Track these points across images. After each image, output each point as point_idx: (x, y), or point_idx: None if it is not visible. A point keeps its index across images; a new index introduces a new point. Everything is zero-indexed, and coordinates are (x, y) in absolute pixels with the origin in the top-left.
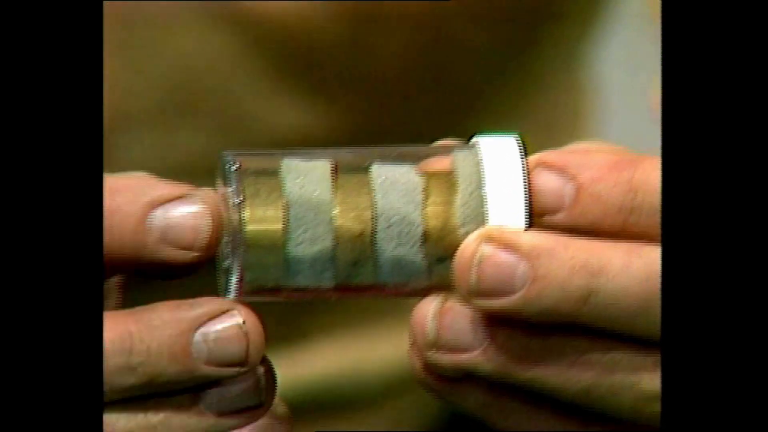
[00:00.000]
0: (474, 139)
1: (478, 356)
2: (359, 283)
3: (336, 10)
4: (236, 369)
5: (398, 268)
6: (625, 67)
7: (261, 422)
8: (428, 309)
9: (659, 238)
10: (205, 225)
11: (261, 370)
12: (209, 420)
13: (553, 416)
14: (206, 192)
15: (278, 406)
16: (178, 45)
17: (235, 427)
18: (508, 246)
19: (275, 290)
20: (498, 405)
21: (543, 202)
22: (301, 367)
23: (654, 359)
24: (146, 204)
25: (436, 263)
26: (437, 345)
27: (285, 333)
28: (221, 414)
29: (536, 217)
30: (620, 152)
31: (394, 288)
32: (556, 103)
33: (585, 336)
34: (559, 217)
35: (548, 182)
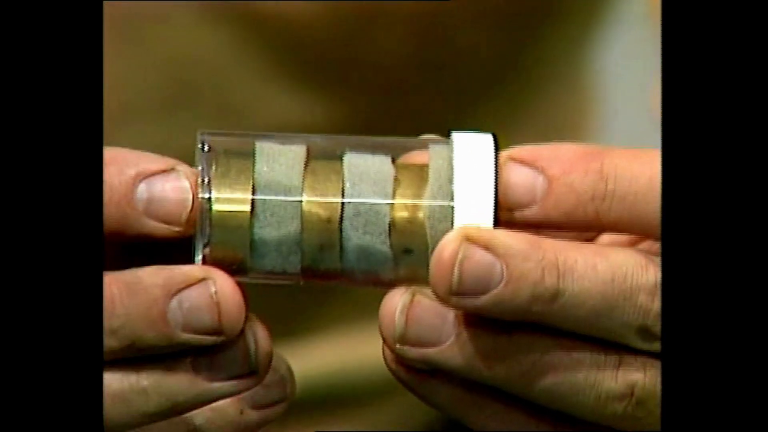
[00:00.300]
0: (451, 135)
1: (444, 351)
2: (326, 269)
3: (336, 5)
4: (213, 337)
5: (364, 257)
6: (627, 67)
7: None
8: (396, 302)
9: (631, 226)
10: (187, 200)
11: (251, 338)
12: (201, 385)
13: (525, 415)
14: (190, 168)
15: (280, 365)
16: (177, 38)
17: (228, 394)
18: (486, 246)
19: (241, 270)
20: (469, 401)
21: (515, 196)
22: (306, 362)
23: (615, 360)
24: (131, 177)
25: (402, 254)
26: (404, 339)
27: (290, 328)
28: (212, 380)
29: (509, 211)
30: (586, 145)
31: (362, 276)
32: (557, 103)
33: (549, 335)
34: (532, 211)
35: (520, 176)
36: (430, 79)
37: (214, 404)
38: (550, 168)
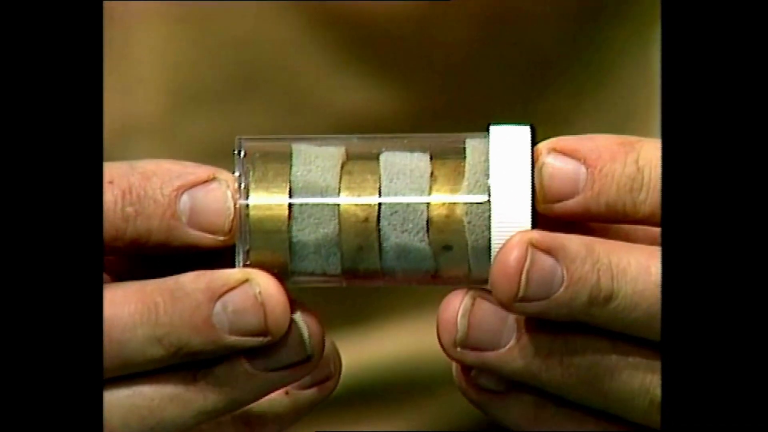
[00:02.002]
0: (489, 129)
1: (503, 355)
2: (365, 269)
3: None
4: (259, 339)
5: (403, 255)
6: None
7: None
8: (456, 306)
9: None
10: (230, 209)
11: (302, 324)
12: (258, 378)
13: (600, 429)
14: (231, 174)
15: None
16: (247, 24)
17: (286, 383)
18: (549, 250)
19: (282, 274)
20: (543, 417)
21: (559, 187)
22: (372, 348)
23: None
24: (174, 189)
25: (441, 251)
26: (465, 343)
27: (358, 312)
28: (269, 370)
29: (551, 203)
30: (621, 136)
31: (402, 275)
32: (625, 92)
33: (607, 338)
34: (575, 201)
35: (563, 167)
36: (498, 70)
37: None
38: (591, 159)
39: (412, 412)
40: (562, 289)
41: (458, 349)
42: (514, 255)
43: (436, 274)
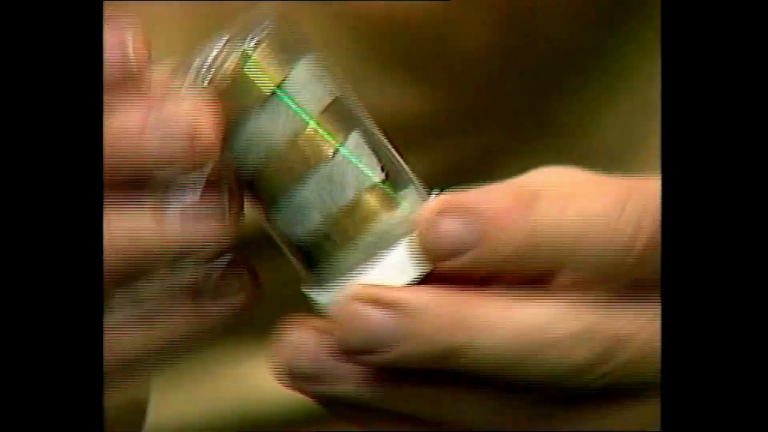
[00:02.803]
0: (433, 192)
1: (355, 387)
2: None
3: None
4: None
5: (299, 209)
6: None
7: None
8: (290, 340)
9: (559, 271)
10: (202, 111)
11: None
12: (175, 231)
13: (501, 396)
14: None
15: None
16: None
17: (203, 236)
18: (378, 303)
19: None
20: (444, 398)
21: (450, 245)
22: None
23: (526, 402)
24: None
25: (322, 237)
26: (306, 377)
27: None
28: (185, 221)
29: (445, 261)
30: (517, 188)
31: (281, 228)
32: (640, 96)
33: (455, 383)
34: (467, 257)
35: (454, 226)
36: (515, 70)
37: (168, 293)
38: (483, 216)
39: None
40: (399, 344)
41: (308, 384)
42: (347, 306)
43: (303, 244)
